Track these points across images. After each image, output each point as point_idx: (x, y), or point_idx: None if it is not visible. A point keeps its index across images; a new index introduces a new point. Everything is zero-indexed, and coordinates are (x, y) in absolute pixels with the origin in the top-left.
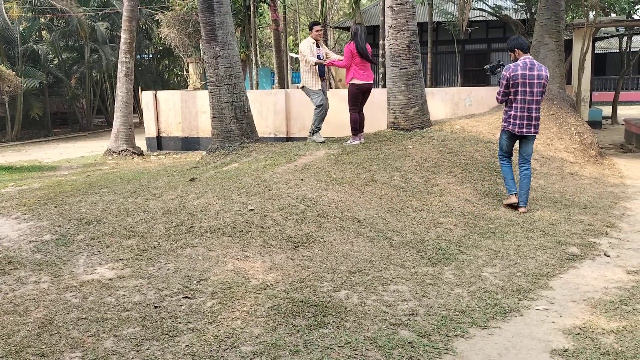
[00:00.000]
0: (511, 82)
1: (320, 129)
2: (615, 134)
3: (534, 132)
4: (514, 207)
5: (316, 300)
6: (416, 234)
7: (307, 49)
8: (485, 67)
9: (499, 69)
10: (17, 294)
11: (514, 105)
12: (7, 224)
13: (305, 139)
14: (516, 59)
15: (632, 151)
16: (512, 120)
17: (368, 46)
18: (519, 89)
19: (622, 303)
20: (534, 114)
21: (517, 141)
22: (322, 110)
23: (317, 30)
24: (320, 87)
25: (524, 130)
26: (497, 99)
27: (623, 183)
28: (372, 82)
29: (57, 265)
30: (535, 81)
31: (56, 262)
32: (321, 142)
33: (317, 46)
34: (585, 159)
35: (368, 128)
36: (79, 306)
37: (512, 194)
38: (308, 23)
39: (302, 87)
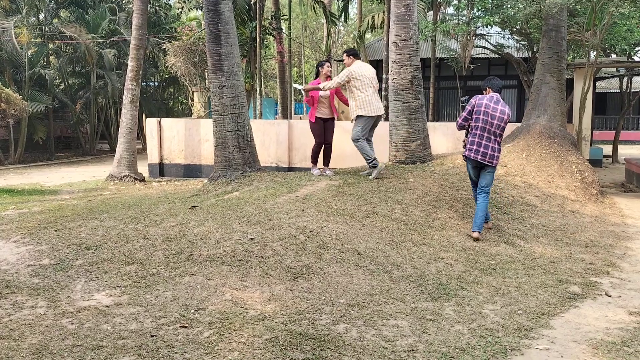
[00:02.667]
0: (475, 109)
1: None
2: (615, 173)
3: (488, 162)
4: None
5: (314, 334)
6: (416, 268)
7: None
8: (462, 99)
9: None
10: (12, 319)
11: (472, 131)
12: (6, 247)
13: (307, 169)
14: None
15: (632, 190)
16: (468, 146)
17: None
18: (480, 116)
19: (624, 344)
20: (490, 144)
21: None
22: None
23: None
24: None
25: (479, 157)
26: (457, 122)
27: (624, 222)
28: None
29: (54, 291)
30: (498, 114)
31: (54, 287)
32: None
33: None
34: (586, 197)
35: None
36: (75, 333)
37: (477, 232)
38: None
39: (357, 117)
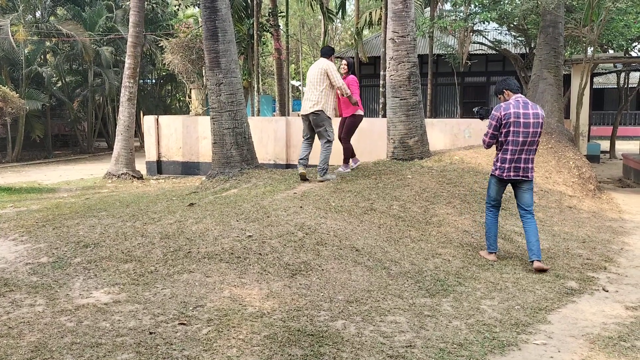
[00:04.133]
0: (503, 122)
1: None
2: (613, 169)
3: (522, 176)
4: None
5: (313, 330)
6: (414, 264)
7: (337, 72)
8: (474, 110)
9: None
10: (11, 317)
11: (504, 147)
12: (4, 246)
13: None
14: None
15: (630, 186)
16: (499, 164)
17: None
18: (512, 129)
19: (620, 339)
20: (529, 156)
21: (513, 189)
22: (331, 145)
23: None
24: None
25: (512, 174)
26: (484, 142)
27: (621, 218)
28: None
29: (52, 288)
30: (531, 120)
31: (52, 285)
32: (333, 179)
33: None
34: (583, 193)
35: (368, 157)
36: (74, 330)
37: (492, 253)
38: (311, 54)
39: (319, 112)
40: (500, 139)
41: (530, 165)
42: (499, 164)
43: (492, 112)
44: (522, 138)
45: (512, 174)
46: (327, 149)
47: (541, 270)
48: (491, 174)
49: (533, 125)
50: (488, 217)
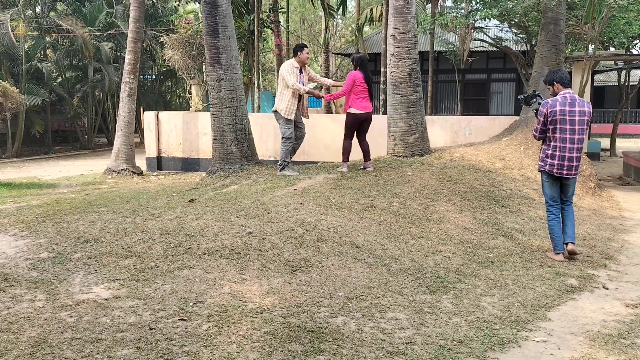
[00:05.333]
0: (549, 119)
1: (289, 163)
2: (613, 167)
3: (574, 174)
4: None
5: (313, 326)
6: (414, 261)
7: (291, 74)
8: (519, 97)
9: (534, 99)
10: (11, 312)
11: (552, 144)
12: (4, 241)
13: (305, 163)
14: (555, 94)
15: (630, 184)
16: (549, 160)
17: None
18: (558, 126)
19: (620, 337)
20: (575, 154)
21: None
22: (289, 142)
23: (307, 53)
24: (293, 117)
25: (564, 172)
26: (535, 136)
27: (621, 215)
28: (371, 111)
29: (53, 284)
30: (577, 118)
31: (52, 281)
32: (295, 176)
33: (300, 71)
34: (583, 191)
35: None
36: (74, 326)
37: (559, 253)
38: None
39: (275, 112)
40: (548, 135)
41: (578, 164)
42: (548, 160)
43: (540, 108)
44: (569, 135)
45: (564, 172)
46: (282, 145)
47: (573, 254)
48: (540, 170)
49: (579, 122)
50: (549, 217)
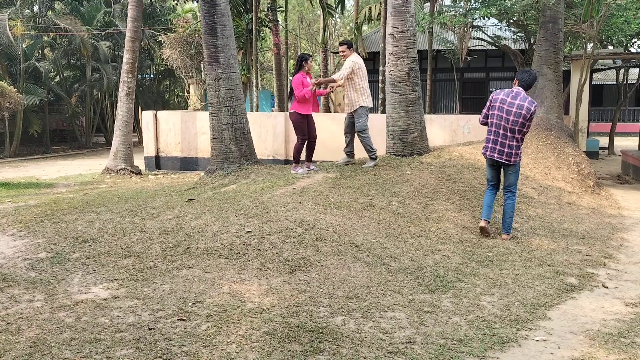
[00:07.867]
0: (490, 104)
1: (376, 150)
2: (612, 165)
3: (505, 160)
4: (486, 232)
5: (312, 326)
6: (414, 261)
7: (347, 69)
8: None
9: None
10: (10, 312)
11: (488, 128)
12: (3, 241)
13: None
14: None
15: (629, 182)
16: (485, 144)
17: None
18: (495, 112)
19: (620, 335)
20: (507, 141)
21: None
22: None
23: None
24: (371, 104)
25: (495, 155)
26: (480, 120)
27: (620, 214)
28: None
29: (51, 284)
30: (514, 110)
31: (50, 281)
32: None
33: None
34: (582, 189)
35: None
36: (72, 326)
37: (483, 219)
38: (310, 50)
39: (360, 108)
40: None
41: (513, 152)
42: (485, 143)
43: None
44: (503, 122)
45: (495, 155)
46: (366, 137)
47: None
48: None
49: (514, 114)
50: (486, 192)
